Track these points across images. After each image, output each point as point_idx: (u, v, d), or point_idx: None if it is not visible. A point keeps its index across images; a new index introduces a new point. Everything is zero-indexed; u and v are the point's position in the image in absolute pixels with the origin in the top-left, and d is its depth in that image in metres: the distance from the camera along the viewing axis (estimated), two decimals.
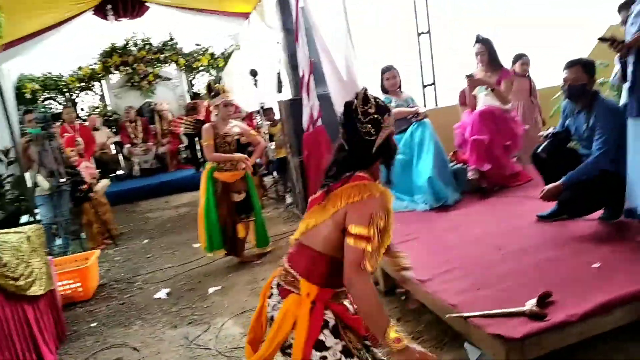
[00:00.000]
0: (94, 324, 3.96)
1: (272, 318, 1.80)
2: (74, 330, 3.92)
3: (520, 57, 5.47)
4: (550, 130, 3.58)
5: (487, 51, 4.56)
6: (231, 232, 4.70)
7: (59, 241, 6.03)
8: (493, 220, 3.78)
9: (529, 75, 5.49)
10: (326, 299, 1.75)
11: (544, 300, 2.42)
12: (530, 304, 2.39)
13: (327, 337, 1.73)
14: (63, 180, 5.59)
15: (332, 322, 1.75)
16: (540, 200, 3.89)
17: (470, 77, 4.49)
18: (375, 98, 1.82)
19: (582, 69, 3.25)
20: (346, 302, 1.86)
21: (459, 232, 3.65)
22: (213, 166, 4.61)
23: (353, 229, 1.66)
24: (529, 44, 5.63)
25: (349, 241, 1.66)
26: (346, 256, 1.67)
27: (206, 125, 4.60)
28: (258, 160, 6.82)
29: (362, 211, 1.67)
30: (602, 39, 2.90)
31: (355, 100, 1.80)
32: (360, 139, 1.78)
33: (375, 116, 1.76)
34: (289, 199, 7.08)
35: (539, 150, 3.60)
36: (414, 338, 2.96)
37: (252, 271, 4.60)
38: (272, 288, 1.86)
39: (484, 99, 4.58)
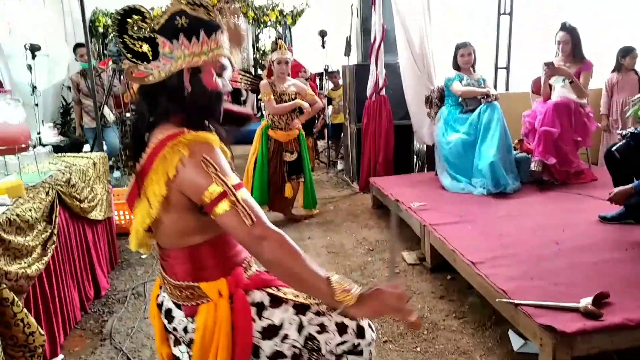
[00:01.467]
0: (145, 256, 4.12)
1: (192, 341, 1.39)
2: (125, 258, 4.10)
3: (629, 51, 5.19)
4: (630, 130, 3.42)
5: (571, 40, 4.36)
6: (280, 190, 4.76)
7: (117, 173, 6.29)
8: (552, 214, 3.68)
9: (635, 70, 5.21)
10: (240, 282, 1.39)
11: (601, 300, 2.36)
12: (586, 302, 2.33)
13: (271, 316, 1.39)
14: (128, 115, 5.78)
15: (265, 299, 1.41)
16: (602, 201, 3.79)
17: (549, 65, 4.32)
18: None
19: None
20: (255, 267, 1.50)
21: (515, 220, 3.58)
22: (268, 124, 4.64)
23: (205, 198, 1.20)
24: (615, 39, 5.33)
25: (215, 214, 1.21)
26: (230, 234, 1.28)
27: (263, 82, 4.63)
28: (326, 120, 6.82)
29: (192, 173, 1.21)
30: None
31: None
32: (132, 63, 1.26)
33: (150, 34, 1.24)
34: (340, 165, 7.10)
35: (614, 148, 3.46)
36: (456, 317, 2.96)
37: (298, 229, 4.67)
38: (160, 308, 1.49)
39: (560, 90, 4.41)
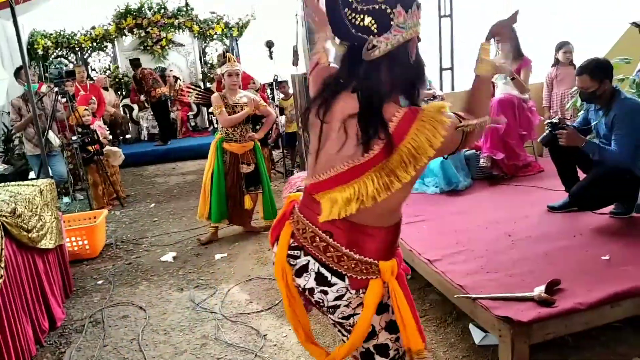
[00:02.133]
0: (100, 282, 4.01)
1: (334, 307, 1.46)
2: (80, 286, 3.97)
3: (563, 45, 5.35)
4: (552, 119, 3.54)
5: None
6: (239, 203, 4.71)
7: (66, 199, 6.10)
8: (503, 208, 3.79)
9: (573, 63, 5.33)
10: (401, 263, 1.52)
11: (553, 288, 2.44)
12: (539, 290, 2.41)
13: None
14: (74, 138, 5.62)
15: None
16: (550, 191, 3.95)
17: None
18: None
19: (589, 77, 3.20)
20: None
21: (469, 216, 3.66)
22: (222, 137, 4.59)
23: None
24: (554, 33, 5.54)
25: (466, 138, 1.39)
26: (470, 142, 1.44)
27: (215, 94, 4.58)
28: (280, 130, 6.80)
29: (450, 136, 1.34)
30: (635, 24, 2.85)
31: None
32: (351, 37, 1.23)
33: (381, 4, 1.20)
34: (297, 174, 7.10)
35: (539, 139, 3.61)
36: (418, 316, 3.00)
37: (258, 240, 4.65)
38: (293, 265, 1.50)
39: (503, 87, 4.56)
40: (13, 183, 3.81)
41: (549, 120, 3.53)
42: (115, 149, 6.26)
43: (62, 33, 10.62)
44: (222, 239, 4.78)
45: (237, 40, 10.97)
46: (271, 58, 7.10)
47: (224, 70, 4.55)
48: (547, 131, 3.45)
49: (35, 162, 5.91)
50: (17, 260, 2.99)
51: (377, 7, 1.19)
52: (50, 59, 10.57)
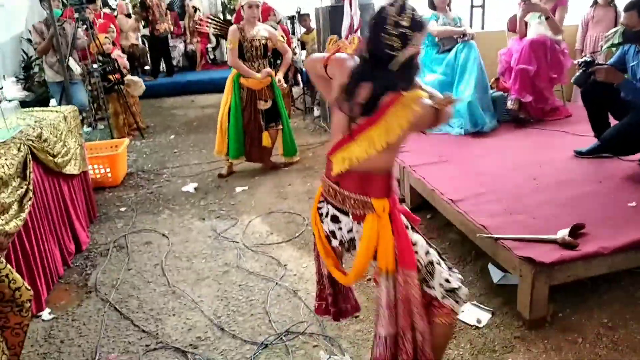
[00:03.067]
0: (123, 209, 4.08)
1: (351, 240, 1.87)
2: (104, 212, 4.05)
3: None
4: (584, 58, 3.41)
5: None
6: (257, 140, 4.67)
7: (86, 128, 6.12)
8: (529, 151, 3.74)
9: (614, 3, 5.08)
10: (395, 205, 1.81)
11: (576, 231, 2.44)
12: (563, 233, 2.41)
13: (412, 235, 1.81)
14: (95, 66, 5.57)
15: (407, 223, 1.84)
16: (577, 136, 3.89)
17: (526, 2, 4.28)
18: (413, 10, 1.67)
19: (637, 14, 3.06)
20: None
21: (493, 158, 3.63)
22: (238, 72, 4.48)
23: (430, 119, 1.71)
24: None
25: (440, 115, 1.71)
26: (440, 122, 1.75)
27: (232, 27, 4.43)
28: (298, 66, 6.68)
29: (421, 121, 1.68)
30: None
31: (389, 7, 1.66)
32: (381, 51, 1.66)
33: (406, 31, 1.63)
34: (316, 112, 7.03)
35: (572, 80, 3.50)
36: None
37: (278, 176, 4.67)
38: (321, 215, 1.93)
39: (536, 27, 4.38)
40: (37, 108, 3.83)
41: (581, 60, 3.41)
42: (136, 78, 6.22)
43: None
44: (243, 172, 4.80)
45: None
46: None
47: (244, 2, 4.40)
48: (581, 70, 3.34)
49: (56, 89, 5.89)
50: (44, 184, 3.04)
51: (403, 31, 1.62)
52: None
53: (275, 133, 4.76)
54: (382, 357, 1.84)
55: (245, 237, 3.44)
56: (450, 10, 4.61)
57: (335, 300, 2.12)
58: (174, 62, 10.08)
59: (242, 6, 4.47)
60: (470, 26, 5.41)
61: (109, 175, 4.56)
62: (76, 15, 5.68)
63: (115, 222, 3.85)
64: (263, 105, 4.60)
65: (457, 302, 1.82)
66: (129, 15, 9.05)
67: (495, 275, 2.71)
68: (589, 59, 3.31)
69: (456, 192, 3.01)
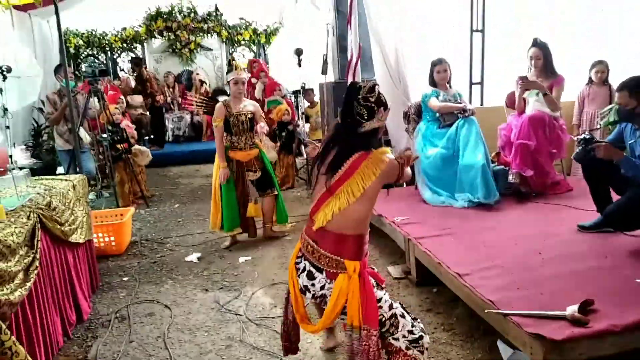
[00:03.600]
0: (126, 278, 4.05)
1: (323, 296, 2.13)
2: (106, 281, 4.01)
3: (596, 64, 5.27)
4: (583, 135, 3.50)
5: (542, 56, 4.50)
6: (244, 211, 4.69)
7: (91, 195, 6.18)
8: (532, 225, 3.76)
9: (607, 82, 5.28)
10: (365, 267, 2.11)
11: (586, 308, 2.41)
12: (572, 310, 2.38)
13: (377, 293, 2.11)
14: (104, 135, 5.70)
15: (374, 282, 2.15)
16: (580, 210, 3.92)
17: (524, 79, 4.45)
18: (380, 94, 2.12)
19: (629, 93, 3.19)
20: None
21: (498, 232, 3.64)
22: (227, 145, 4.55)
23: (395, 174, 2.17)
24: (588, 51, 5.49)
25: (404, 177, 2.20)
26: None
27: (219, 104, 4.54)
28: (302, 138, 6.79)
29: (389, 168, 2.11)
30: None
31: (362, 85, 2.11)
32: (352, 117, 2.09)
33: (372, 105, 2.08)
34: None
35: (572, 156, 3.58)
36: (444, 330, 2.98)
37: (282, 245, 4.66)
38: (298, 270, 2.21)
39: (534, 104, 4.53)
40: (47, 177, 3.88)
41: (581, 137, 3.50)
42: (143, 148, 6.35)
43: (93, 32, 10.83)
44: (246, 242, 4.80)
45: (264, 47, 11.09)
46: (300, 65, 7.15)
47: (230, 78, 4.54)
48: (581, 147, 3.42)
49: (64, 157, 6.01)
50: (49, 253, 3.04)
51: (370, 105, 2.07)
52: (81, 57, 10.78)
53: (271, 200, 4.78)
54: None
55: (248, 310, 3.40)
56: (450, 87, 4.79)
57: (289, 338, 2.46)
58: (180, 132, 10.31)
59: (229, 82, 4.60)
60: (470, 102, 5.59)
61: (113, 243, 4.56)
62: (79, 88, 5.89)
63: (117, 292, 3.81)
64: (252, 176, 4.67)
65: (421, 352, 2.08)
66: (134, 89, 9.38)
67: (505, 352, 2.66)
68: (587, 136, 3.40)
69: (462, 265, 3.00)
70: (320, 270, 2.10)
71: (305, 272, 2.14)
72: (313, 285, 2.12)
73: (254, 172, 4.66)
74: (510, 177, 4.45)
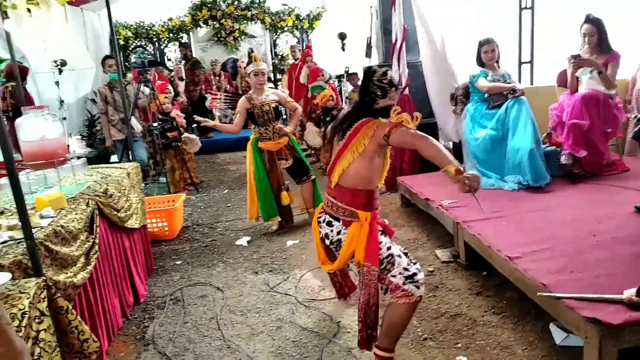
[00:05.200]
0: (179, 262, 4.19)
1: (338, 241, 2.46)
2: (160, 265, 4.17)
3: None
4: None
5: (597, 32, 4.32)
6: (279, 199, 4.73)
7: (144, 184, 6.38)
8: (586, 207, 3.65)
9: None
10: (375, 218, 2.45)
11: None
12: (629, 293, 2.31)
13: (380, 237, 2.42)
14: (155, 124, 5.87)
15: (380, 229, 2.48)
16: (636, 191, 3.76)
17: (576, 57, 4.29)
18: (391, 78, 2.46)
19: None
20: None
21: (549, 214, 3.56)
22: (256, 137, 4.59)
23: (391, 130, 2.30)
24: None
25: (395, 137, 2.26)
26: (404, 143, 2.32)
27: (242, 98, 4.58)
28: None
29: (381, 131, 2.30)
30: None
31: (376, 69, 2.44)
32: (369, 96, 2.42)
33: (386, 86, 2.41)
34: None
35: (630, 136, 3.43)
36: (495, 313, 2.96)
37: None
38: (320, 222, 2.56)
39: (588, 82, 4.36)
40: (103, 165, 4.05)
41: (637, 114, 3.36)
42: (193, 136, 6.49)
43: (141, 24, 11.09)
44: (293, 226, 4.86)
45: (307, 33, 11.08)
46: (343, 50, 7.12)
47: (250, 70, 4.56)
48: (639, 126, 3.29)
49: (117, 146, 6.24)
50: (107, 238, 3.18)
51: (384, 85, 2.39)
52: (130, 49, 11.07)
53: (309, 186, 4.80)
54: (359, 320, 2.45)
55: (297, 292, 3.46)
56: (498, 67, 4.67)
57: (341, 284, 3.03)
58: (227, 120, 10.45)
59: (249, 74, 4.62)
60: (519, 81, 5.44)
61: (166, 228, 4.72)
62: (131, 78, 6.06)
63: (171, 275, 3.95)
64: (284, 165, 4.71)
65: (416, 287, 2.33)
66: (181, 79, 9.55)
67: (558, 335, 2.62)
68: None
69: (513, 248, 2.96)
70: (337, 220, 2.45)
71: (325, 222, 2.50)
72: (332, 231, 2.47)
73: (286, 160, 4.70)
74: (562, 158, 4.31)
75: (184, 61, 10.09)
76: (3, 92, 5.89)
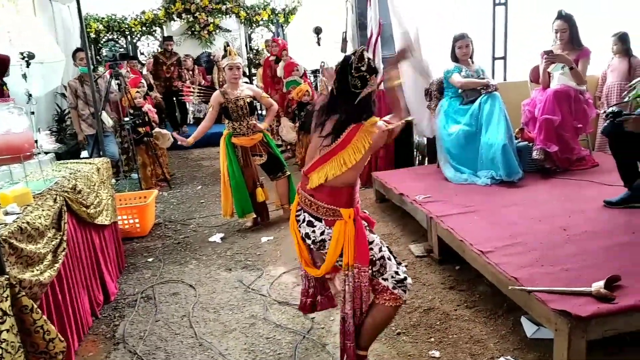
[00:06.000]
0: (151, 259, 4.13)
1: (322, 241, 2.33)
2: (131, 262, 4.09)
3: (615, 35, 5.17)
4: (611, 109, 3.41)
5: (568, 28, 4.39)
6: (254, 196, 4.67)
7: (115, 180, 6.26)
8: (557, 201, 3.70)
9: (630, 53, 5.15)
10: (358, 213, 2.33)
11: (612, 284, 2.38)
12: (598, 286, 2.35)
13: (369, 236, 2.33)
14: (126, 119, 5.76)
15: (365, 225, 2.36)
16: (606, 186, 3.85)
17: (549, 53, 4.34)
18: (369, 59, 2.21)
19: None
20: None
21: (521, 209, 3.60)
22: (230, 132, 4.53)
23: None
24: (614, 23, 5.33)
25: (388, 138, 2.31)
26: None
27: (216, 92, 4.52)
28: None
29: (379, 141, 2.27)
30: None
31: (352, 56, 2.21)
32: (347, 89, 2.20)
33: (365, 74, 2.19)
34: None
35: (599, 131, 3.49)
36: (467, 307, 2.98)
37: None
38: (299, 221, 2.39)
39: (559, 78, 4.42)
40: (72, 161, 3.95)
41: (609, 110, 3.41)
42: (164, 131, 6.39)
43: (113, 17, 10.88)
44: (269, 222, 4.83)
45: (282, 27, 11.02)
46: (319, 44, 7.09)
47: (225, 64, 4.49)
48: (609, 121, 3.34)
49: (89, 141, 6.10)
50: (76, 235, 3.10)
51: (363, 74, 2.17)
52: (102, 42, 10.85)
53: (284, 182, 4.76)
54: (345, 330, 2.34)
55: (271, 289, 3.43)
56: (472, 62, 4.70)
57: (313, 294, 2.63)
58: (201, 115, 10.33)
59: (223, 68, 4.56)
60: (493, 77, 5.49)
61: (138, 225, 4.64)
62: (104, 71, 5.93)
63: (142, 273, 3.88)
64: (258, 161, 4.66)
65: (404, 291, 2.31)
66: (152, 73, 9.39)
67: (529, 328, 2.65)
68: (616, 110, 3.32)
69: (485, 243, 2.99)
70: (319, 220, 2.32)
71: (306, 222, 2.35)
72: (313, 232, 2.34)
73: (260, 156, 4.65)
74: (534, 154, 4.37)
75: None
76: None
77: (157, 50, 10.98)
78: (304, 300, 2.63)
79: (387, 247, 2.37)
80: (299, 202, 2.41)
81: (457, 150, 4.49)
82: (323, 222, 2.31)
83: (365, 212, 2.47)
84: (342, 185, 2.27)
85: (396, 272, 2.30)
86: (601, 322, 2.22)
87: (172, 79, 9.51)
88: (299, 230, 2.40)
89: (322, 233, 2.32)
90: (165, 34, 11.09)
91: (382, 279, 2.29)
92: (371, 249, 2.29)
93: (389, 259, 2.32)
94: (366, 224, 2.37)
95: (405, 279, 2.31)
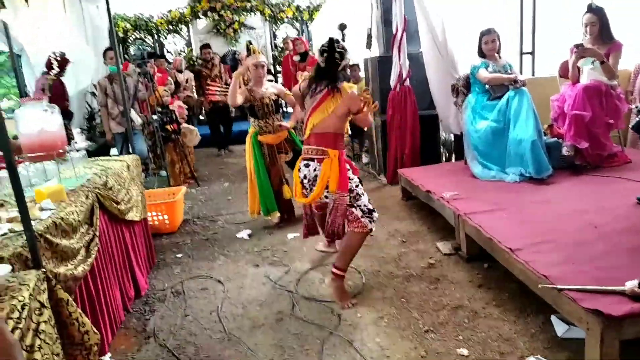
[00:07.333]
0: (180, 255, 4.19)
1: (315, 177, 3.09)
2: (161, 258, 4.16)
3: None
4: None
5: (598, 22, 4.29)
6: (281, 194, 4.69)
7: (144, 177, 6.37)
8: (587, 198, 3.63)
9: None
10: (342, 155, 3.10)
11: None
12: (631, 285, 2.30)
13: (350, 175, 3.10)
14: (155, 117, 5.85)
15: (348, 166, 3.13)
16: (638, 183, 3.74)
17: (579, 47, 4.26)
18: (343, 42, 3.36)
19: None
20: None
21: (551, 206, 3.54)
22: (256, 130, 4.54)
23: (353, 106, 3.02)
24: None
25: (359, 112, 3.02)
26: (360, 116, 3.06)
27: (241, 89, 4.49)
28: None
29: (350, 98, 2.99)
30: None
31: (334, 39, 3.06)
32: (333, 60, 3.03)
33: (342, 50, 3.04)
34: (365, 159, 7.08)
35: (630, 126, 3.41)
36: (496, 305, 2.95)
37: None
38: (300, 168, 3.17)
39: (589, 73, 4.34)
40: (103, 158, 4.03)
41: (638, 105, 3.34)
42: (192, 127, 6.47)
43: (140, 16, 11.04)
44: (295, 219, 4.85)
45: (307, 24, 11.03)
46: (344, 41, 7.07)
47: (249, 63, 4.49)
48: (639, 117, 3.27)
49: (117, 139, 6.22)
50: (108, 231, 3.17)
51: (341, 50, 3.02)
52: (129, 41, 11.03)
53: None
54: (326, 231, 3.29)
55: (298, 285, 3.46)
56: (500, 57, 4.64)
57: (310, 225, 3.71)
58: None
59: (248, 67, 4.54)
60: (521, 73, 5.41)
61: (167, 222, 4.71)
62: (137, 69, 6.02)
63: (172, 268, 3.94)
64: (284, 158, 4.67)
65: (370, 221, 3.08)
66: (180, 71, 9.43)
67: (560, 328, 2.61)
68: None
69: (514, 240, 2.95)
70: (312, 160, 3.10)
71: (304, 165, 3.14)
72: (309, 171, 3.11)
73: (286, 153, 4.67)
74: (564, 150, 4.30)
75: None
76: (43, 83, 5.87)
77: (183, 49, 11.09)
78: (306, 228, 3.71)
79: (362, 188, 3.16)
80: (301, 156, 3.19)
81: (485, 146, 4.44)
82: (315, 161, 3.08)
83: (350, 159, 3.27)
84: (325, 131, 3.06)
85: (365, 205, 3.10)
86: (635, 322, 2.17)
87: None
88: (299, 175, 3.17)
89: (314, 170, 3.08)
90: (192, 32, 11.21)
91: (355, 206, 3.07)
92: (351, 179, 3.07)
93: (363, 194, 3.12)
94: (349, 167, 3.11)
95: (373, 210, 3.11)
